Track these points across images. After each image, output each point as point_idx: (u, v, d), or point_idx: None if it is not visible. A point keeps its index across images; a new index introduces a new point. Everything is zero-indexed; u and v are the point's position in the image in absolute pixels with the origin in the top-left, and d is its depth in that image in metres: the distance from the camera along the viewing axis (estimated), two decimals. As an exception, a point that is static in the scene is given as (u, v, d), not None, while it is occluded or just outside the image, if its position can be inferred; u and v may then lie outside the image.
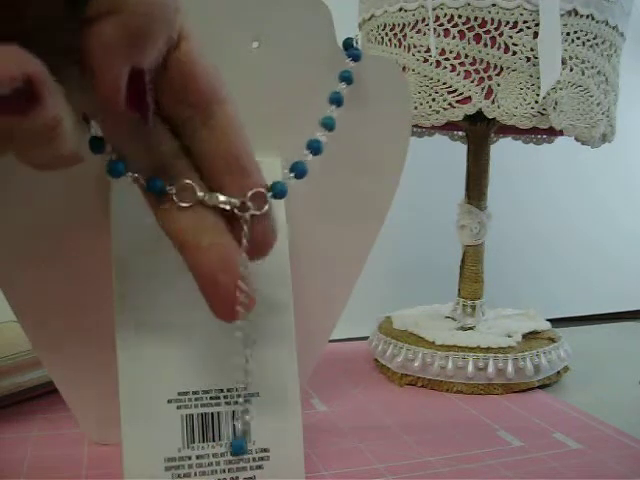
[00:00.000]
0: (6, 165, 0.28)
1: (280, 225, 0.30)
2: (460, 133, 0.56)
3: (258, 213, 0.22)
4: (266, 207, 0.23)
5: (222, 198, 0.22)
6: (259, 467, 0.28)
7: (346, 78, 0.30)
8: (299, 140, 0.32)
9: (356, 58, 0.31)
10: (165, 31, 0.19)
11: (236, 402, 0.28)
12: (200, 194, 0.21)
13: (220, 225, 0.22)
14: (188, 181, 0.21)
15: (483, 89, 0.40)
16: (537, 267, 0.73)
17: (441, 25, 0.40)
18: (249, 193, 0.22)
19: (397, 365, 0.45)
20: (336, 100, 0.29)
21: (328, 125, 0.29)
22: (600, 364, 0.52)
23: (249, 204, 0.22)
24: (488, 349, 0.44)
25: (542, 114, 0.40)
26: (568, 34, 0.40)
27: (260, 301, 0.29)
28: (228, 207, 0.22)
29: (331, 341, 0.37)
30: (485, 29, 0.40)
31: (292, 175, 0.26)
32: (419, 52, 0.41)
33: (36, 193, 0.29)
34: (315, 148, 0.28)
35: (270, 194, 0.23)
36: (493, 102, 0.40)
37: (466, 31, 0.40)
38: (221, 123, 0.21)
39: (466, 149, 0.49)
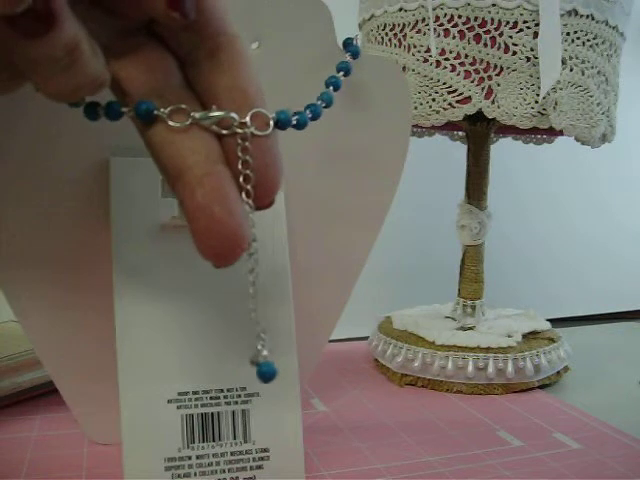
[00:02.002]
0: (6, 165, 0.28)
1: (280, 225, 0.30)
2: (460, 133, 0.56)
3: (260, 133, 0.20)
4: (269, 129, 0.20)
5: (218, 113, 0.20)
6: (259, 467, 0.28)
7: (343, 69, 0.30)
8: (299, 140, 0.32)
9: (355, 55, 0.31)
10: None
11: (236, 402, 0.28)
12: (195, 114, 0.19)
13: (217, 151, 0.20)
14: (183, 106, 0.19)
15: (483, 89, 0.40)
16: (537, 267, 0.73)
17: (441, 25, 0.40)
18: (249, 112, 0.20)
19: (397, 365, 0.45)
20: (333, 84, 0.28)
21: (326, 99, 0.26)
22: (600, 364, 0.52)
23: (248, 122, 0.20)
24: (488, 349, 0.44)
25: (542, 114, 0.40)
26: (568, 34, 0.40)
27: (260, 300, 0.29)
28: (225, 130, 0.20)
29: (331, 341, 0.37)
30: (485, 29, 0.40)
31: (295, 119, 0.23)
32: (419, 52, 0.41)
33: (36, 193, 0.29)
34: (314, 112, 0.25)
35: (273, 117, 0.21)
36: (493, 102, 0.40)
37: (466, 31, 0.40)
38: (227, 57, 0.20)
39: (466, 149, 0.49)
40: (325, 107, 0.26)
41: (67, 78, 0.17)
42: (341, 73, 0.29)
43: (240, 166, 0.20)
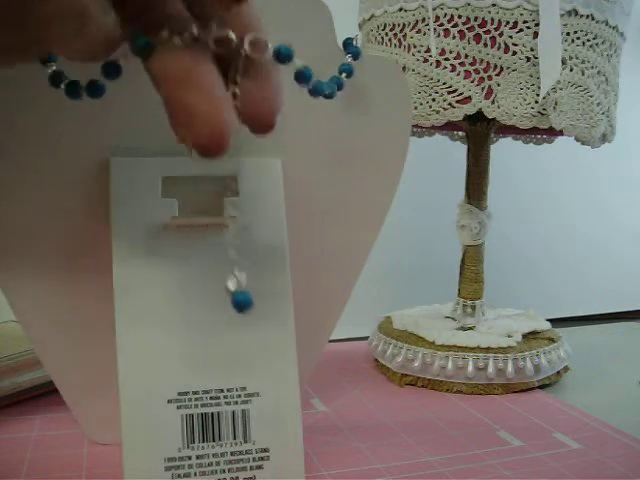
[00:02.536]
0: (6, 164, 0.28)
1: (280, 225, 0.30)
2: (460, 133, 0.56)
3: (256, 57, 0.20)
4: (266, 55, 0.20)
5: (217, 30, 0.20)
6: (259, 467, 0.28)
7: (346, 70, 0.30)
8: (299, 140, 0.32)
9: (355, 55, 0.31)
10: None
11: (236, 402, 0.28)
12: (194, 28, 0.19)
13: (211, 65, 0.20)
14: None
15: (483, 89, 0.40)
16: (537, 267, 0.73)
17: (441, 25, 0.40)
18: (248, 36, 0.20)
19: (397, 365, 0.45)
20: (336, 82, 0.28)
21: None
22: (600, 364, 0.52)
23: (247, 45, 0.20)
24: (488, 349, 0.44)
25: (542, 114, 0.40)
26: (568, 34, 0.40)
27: (260, 301, 0.29)
28: (222, 49, 0.20)
29: (331, 341, 0.37)
30: (485, 29, 0.40)
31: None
32: (419, 52, 0.41)
33: (36, 193, 0.29)
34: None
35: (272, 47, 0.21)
36: (493, 102, 0.40)
37: (466, 31, 0.40)
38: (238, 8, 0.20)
39: (466, 149, 0.49)
40: (326, 96, 0.26)
41: (82, 41, 0.18)
42: (343, 75, 0.29)
43: (233, 88, 0.20)
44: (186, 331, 0.28)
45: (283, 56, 0.21)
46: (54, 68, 0.23)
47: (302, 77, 0.22)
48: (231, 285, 0.22)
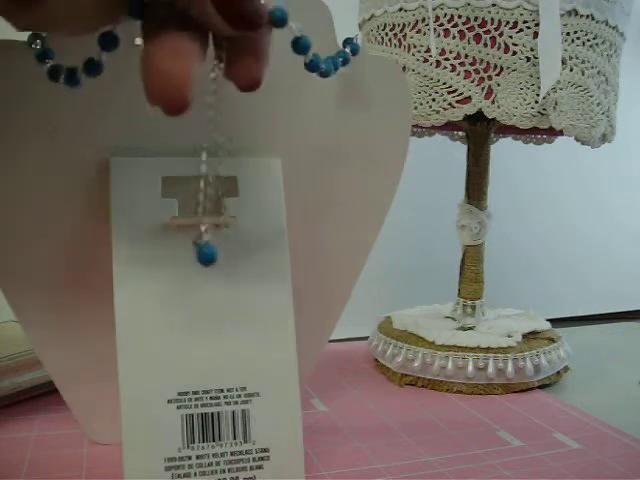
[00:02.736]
0: (6, 164, 0.28)
1: (280, 225, 0.30)
2: (460, 133, 0.56)
3: None
4: None
5: None
6: (259, 467, 0.28)
7: (342, 56, 0.29)
8: (299, 140, 0.32)
9: (354, 51, 0.31)
10: None
11: (236, 402, 0.28)
12: None
13: (189, 27, 0.20)
14: None
15: (483, 89, 0.40)
16: (537, 267, 0.73)
17: (441, 25, 0.40)
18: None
19: (397, 365, 0.45)
20: (333, 63, 0.27)
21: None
22: (600, 364, 0.52)
23: None
24: (488, 349, 0.44)
25: (542, 114, 0.40)
26: (568, 34, 0.40)
27: (260, 300, 0.29)
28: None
29: (331, 341, 0.37)
30: (485, 29, 0.40)
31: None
32: (419, 52, 0.41)
33: (36, 193, 0.29)
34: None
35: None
36: (493, 102, 0.40)
37: (466, 31, 0.40)
38: None
39: (466, 149, 0.49)
40: (322, 74, 0.25)
41: (80, 25, 0.19)
42: (340, 59, 0.29)
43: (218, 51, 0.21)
44: (186, 331, 0.28)
45: (277, 18, 0.20)
46: (51, 63, 0.23)
47: (300, 46, 0.21)
48: (197, 239, 0.22)
